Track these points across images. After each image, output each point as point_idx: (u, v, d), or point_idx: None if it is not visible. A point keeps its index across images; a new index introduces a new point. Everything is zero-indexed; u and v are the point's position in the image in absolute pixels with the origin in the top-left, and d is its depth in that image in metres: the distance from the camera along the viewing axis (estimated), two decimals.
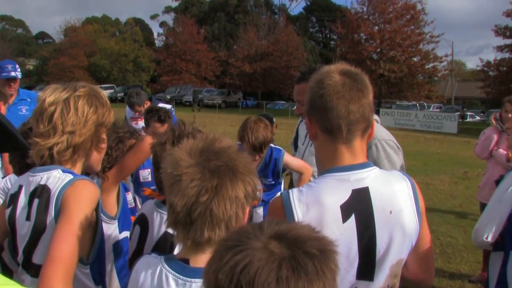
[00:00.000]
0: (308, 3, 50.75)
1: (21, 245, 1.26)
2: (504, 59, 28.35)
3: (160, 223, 1.36)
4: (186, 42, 38.65)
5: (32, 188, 1.25)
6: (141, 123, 4.31)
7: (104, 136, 1.37)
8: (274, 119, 4.14)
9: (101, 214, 1.63)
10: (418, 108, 29.28)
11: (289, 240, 0.62)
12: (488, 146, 3.83)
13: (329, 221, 1.01)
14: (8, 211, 1.29)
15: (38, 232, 1.21)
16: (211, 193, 0.87)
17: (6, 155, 2.15)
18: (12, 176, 1.98)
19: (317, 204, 1.03)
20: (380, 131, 1.76)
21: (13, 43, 49.18)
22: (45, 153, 1.24)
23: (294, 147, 2.87)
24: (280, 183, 2.70)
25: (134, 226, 1.46)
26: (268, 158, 2.60)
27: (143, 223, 1.41)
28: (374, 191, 1.06)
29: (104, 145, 1.38)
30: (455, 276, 3.84)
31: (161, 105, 4.07)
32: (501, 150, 3.77)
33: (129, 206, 1.97)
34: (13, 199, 1.29)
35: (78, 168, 1.32)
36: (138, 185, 2.94)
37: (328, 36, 51.17)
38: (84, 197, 1.19)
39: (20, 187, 1.30)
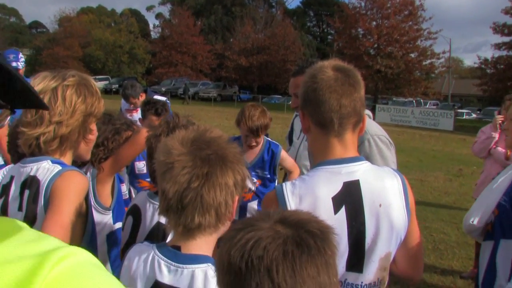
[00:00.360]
0: None
1: None
2: (502, 56, 28.43)
3: (152, 214, 1.37)
4: (182, 34, 38.38)
5: (22, 179, 1.26)
6: (136, 115, 4.30)
7: (93, 126, 1.36)
8: (269, 113, 4.14)
9: (96, 205, 1.64)
10: (414, 105, 29.34)
11: (292, 222, 0.71)
12: (488, 145, 3.82)
13: (321, 212, 1.03)
14: (0, 201, 1.30)
15: (29, 223, 1.21)
16: (201, 180, 0.90)
17: (4, 145, 2.13)
18: (9, 167, 1.97)
19: (310, 196, 1.06)
20: (372, 126, 1.78)
21: (6, 32, 48.57)
22: (32, 143, 1.24)
23: (289, 141, 2.88)
24: (275, 180, 2.72)
25: (126, 217, 1.47)
26: (266, 150, 2.62)
27: (136, 213, 1.42)
28: (365, 184, 1.09)
29: (91, 136, 1.37)
30: (447, 272, 3.89)
31: (156, 97, 4.06)
32: (499, 148, 3.77)
33: (123, 198, 1.98)
34: (5, 189, 1.30)
35: (67, 158, 1.32)
36: (133, 177, 2.95)
37: (326, 30, 51.06)
38: (72, 188, 1.20)
39: (12, 177, 1.30)
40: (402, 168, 1.36)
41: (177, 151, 0.92)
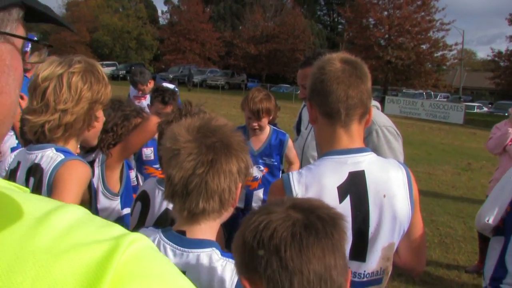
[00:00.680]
0: None
1: None
2: None
3: (161, 200, 1.39)
4: (191, 20, 38.11)
5: (28, 165, 1.28)
6: (144, 102, 4.32)
7: (99, 113, 1.35)
8: (277, 102, 4.14)
9: (104, 190, 1.67)
10: (424, 97, 28.87)
11: (303, 207, 0.76)
12: (503, 142, 3.76)
13: (327, 201, 1.03)
14: None
15: None
16: (206, 167, 0.92)
17: (18, 129, 2.13)
18: (17, 152, 2.01)
19: (316, 184, 1.08)
20: (381, 117, 1.78)
21: None
22: (38, 130, 1.25)
23: (297, 131, 2.88)
24: (280, 169, 2.73)
25: (135, 203, 1.49)
26: (273, 138, 2.63)
27: (145, 199, 1.44)
28: (370, 174, 1.10)
29: (97, 123, 1.37)
30: (452, 266, 3.89)
31: (164, 84, 4.07)
32: None
33: (131, 184, 2.01)
34: (12, 174, 1.33)
35: (72, 145, 1.33)
36: (141, 163, 2.98)
37: (336, 20, 50.31)
38: (75, 177, 1.22)
39: (19, 163, 1.33)
40: (410, 161, 1.36)
41: (183, 138, 0.95)
